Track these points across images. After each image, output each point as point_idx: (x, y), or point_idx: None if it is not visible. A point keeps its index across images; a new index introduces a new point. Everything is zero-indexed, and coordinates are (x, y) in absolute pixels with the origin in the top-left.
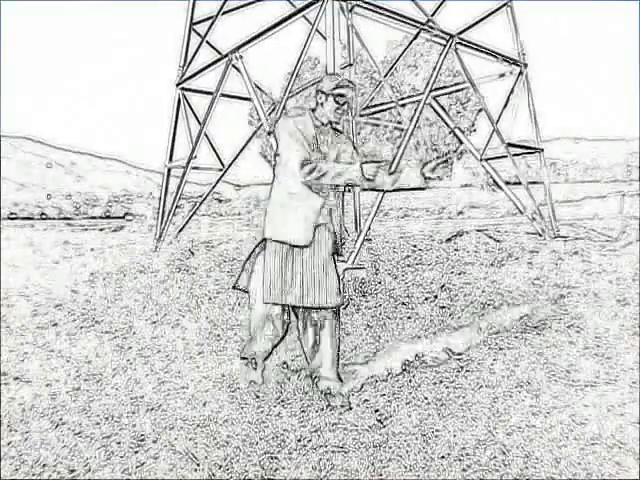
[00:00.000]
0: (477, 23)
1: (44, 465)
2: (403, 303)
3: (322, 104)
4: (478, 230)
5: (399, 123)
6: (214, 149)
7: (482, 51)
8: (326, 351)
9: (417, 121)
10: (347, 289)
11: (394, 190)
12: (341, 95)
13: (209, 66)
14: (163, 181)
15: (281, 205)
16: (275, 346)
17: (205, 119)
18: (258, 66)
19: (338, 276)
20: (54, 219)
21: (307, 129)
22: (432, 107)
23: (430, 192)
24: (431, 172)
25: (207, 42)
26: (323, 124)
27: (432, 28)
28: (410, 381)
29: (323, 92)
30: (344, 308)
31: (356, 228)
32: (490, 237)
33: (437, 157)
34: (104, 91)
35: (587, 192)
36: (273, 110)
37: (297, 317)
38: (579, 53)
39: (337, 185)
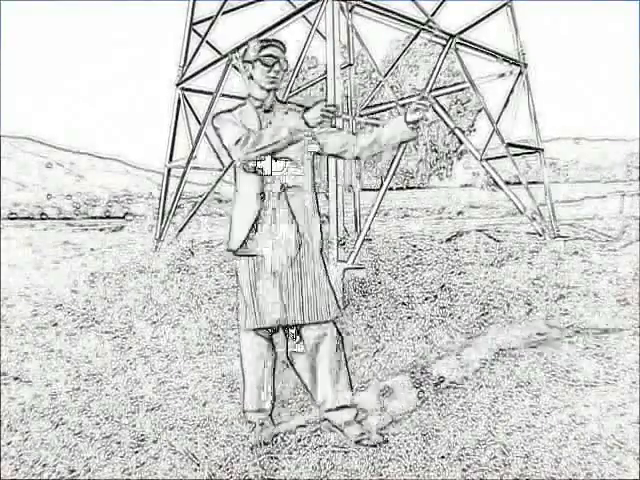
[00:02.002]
0: (477, 23)
1: (44, 465)
2: (403, 303)
3: (252, 77)
4: (478, 230)
5: None
6: (214, 149)
7: (482, 51)
8: (329, 376)
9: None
10: (347, 289)
11: (376, 152)
12: (269, 56)
13: (209, 66)
14: (163, 181)
15: (236, 210)
16: (273, 390)
17: (205, 119)
18: None
19: (331, 285)
20: (54, 219)
21: (247, 118)
22: (432, 107)
23: (430, 192)
24: (413, 114)
25: (207, 42)
26: (269, 107)
27: (432, 28)
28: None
29: (248, 61)
30: (343, 308)
31: (356, 228)
32: (490, 237)
33: (417, 97)
34: (104, 91)
35: (587, 192)
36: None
37: (287, 345)
38: (579, 53)
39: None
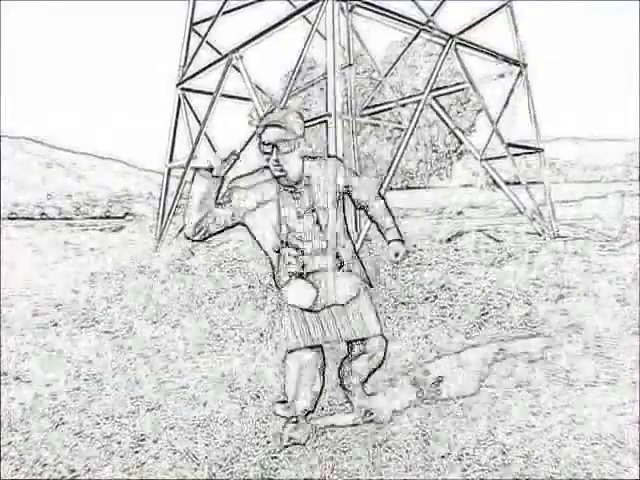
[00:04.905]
0: (477, 23)
1: (44, 465)
2: (403, 303)
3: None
4: (478, 230)
5: (399, 123)
6: (214, 149)
7: (482, 51)
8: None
9: (417, 121)
10: None
11: None
12: (264, 143)
13: (209, 66)
14: (163, 181)
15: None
16: (317, 400)
17: (205, 119)
18: (258, 66)
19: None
20: (54, 219)
21: (260, 189)
22: (432, 107)
23: (430, 192)
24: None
25: (207, 42)
26: (290, 185)
27: (432, 28)
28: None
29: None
30: None
31: (356, 228)
32: (490, 237)
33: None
34: (104, 91)
35: (587, 192)
36: (273, 110)
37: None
38: (579, 53)
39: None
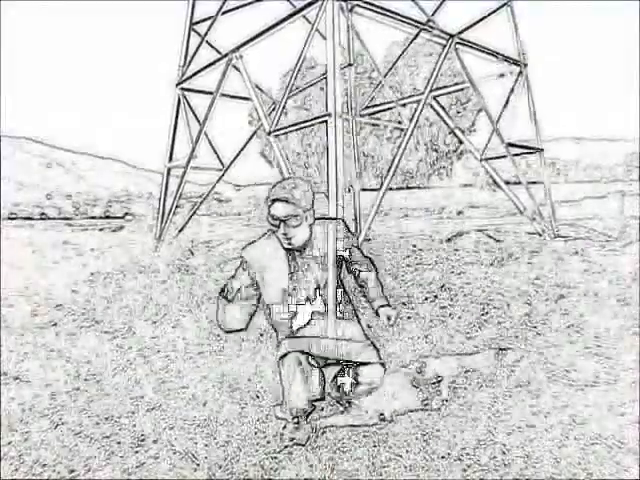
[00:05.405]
0: (477, 23)
1: (44, 465)
2: (403, 303)
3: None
4: (478, 230)
5: (399, 123)
6: (214, 149)
7: (482, 51)
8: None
9: (417, 121)
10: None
11: None
12: (272, 216)
13: (209, 66)
14: (163, 181)
15: None
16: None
17: (205, 119)
18: (258, 66)
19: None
20: (54, 219)
21: (267, 255)
22: (432, 107)
23: (430, 192)
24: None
25: (207, 42)
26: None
27: (432, 28)
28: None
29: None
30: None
31: (356, 228)
32: (490, 237)
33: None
34: (104, 91)
35: (587, 192)
36: (273, 110)
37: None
38: (579, 53)
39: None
